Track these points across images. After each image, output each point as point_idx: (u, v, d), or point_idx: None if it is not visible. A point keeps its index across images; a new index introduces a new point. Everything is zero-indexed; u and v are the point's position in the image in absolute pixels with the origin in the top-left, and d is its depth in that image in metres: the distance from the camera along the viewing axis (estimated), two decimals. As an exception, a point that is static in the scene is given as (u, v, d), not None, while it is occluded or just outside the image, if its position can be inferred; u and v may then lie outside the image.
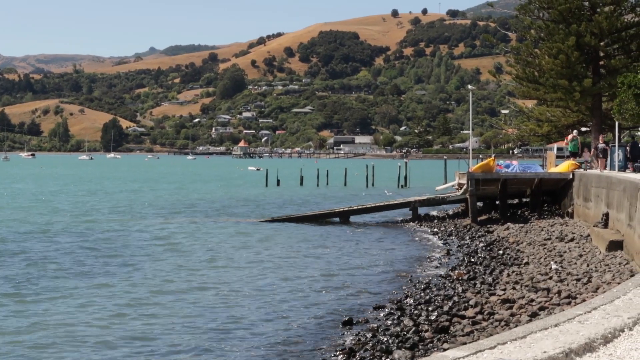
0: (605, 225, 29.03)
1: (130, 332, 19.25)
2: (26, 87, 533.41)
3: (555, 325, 9.49)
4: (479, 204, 46.25)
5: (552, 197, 44.95)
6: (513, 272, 25.18)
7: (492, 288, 22.63)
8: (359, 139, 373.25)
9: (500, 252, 31.72)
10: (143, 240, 38.59)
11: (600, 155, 38.87)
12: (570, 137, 44.74)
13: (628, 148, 39.16)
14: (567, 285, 20.92)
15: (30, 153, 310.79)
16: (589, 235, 30.55)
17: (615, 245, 25.11)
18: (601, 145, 39.32)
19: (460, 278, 25.73)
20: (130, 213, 54.76)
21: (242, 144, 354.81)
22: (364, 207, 51.13)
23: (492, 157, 50.11)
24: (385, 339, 17.69)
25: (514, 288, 21.72)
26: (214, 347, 18.00)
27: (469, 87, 65.10)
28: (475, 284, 23.92)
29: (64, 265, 29.98)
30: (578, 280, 21.29)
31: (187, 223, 47.93)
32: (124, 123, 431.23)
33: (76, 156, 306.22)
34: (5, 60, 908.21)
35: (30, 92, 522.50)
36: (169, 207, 60.21)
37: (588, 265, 23.70)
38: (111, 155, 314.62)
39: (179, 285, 25.73)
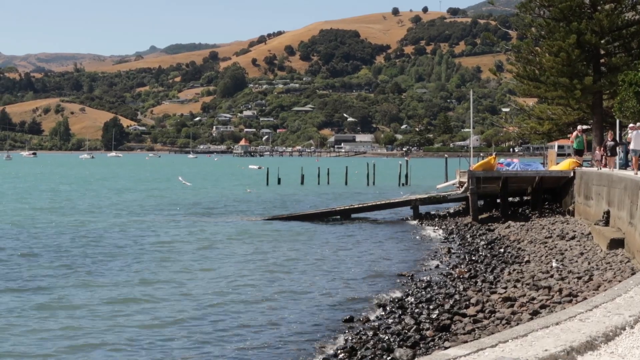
0: (606, 223, 29.02)
1: (127, 331, 19.25)
2: (27, 86, 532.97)
3: (557, 324, 9.49)
4: (480, 202, 46.24)
5: (553, 195, 44.94)
6: (514, 270, 25.18)
7: (493, 286, 22.62)
8: (359, 137, 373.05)
9: (502, 250, 31.74)
10: (144, 239, 38.59)
11: (609, 154, 38.18)
12: (574, 134, 44.43)
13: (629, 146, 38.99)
14: (568, 283, 20.91)
15: (31, 152, 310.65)
16: (590, 233, 30.55)
17: (617, 243, 25.11)
18: (610, 142, 38.50)
19: (461, 276, 25.74)
20: (133, 212, 54.75)
21: (243, 142, 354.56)
22: (365, 205, 51.19)
23: (493, 155, 50.16)
24: (387, 337, 17.69)
25: (515, 286, 21.71)
26: (212, 346, 18.00)
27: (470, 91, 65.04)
28: (476, 282, 23.91)
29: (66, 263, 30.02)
30: (579, 278, 21.28)
31: (189, 221, 47.93)
32: (125, 122, 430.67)
33: (77, 155, 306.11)
34: (6, 59, 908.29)
35: (31, 91, 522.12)
36: (172, 206, 60.19)
37: (589, 263, 23.69)
38: (112, 154, 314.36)
39: (178, 284, 25.71)
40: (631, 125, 35.07)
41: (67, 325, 19.67)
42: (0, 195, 71.12)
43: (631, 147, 33.25)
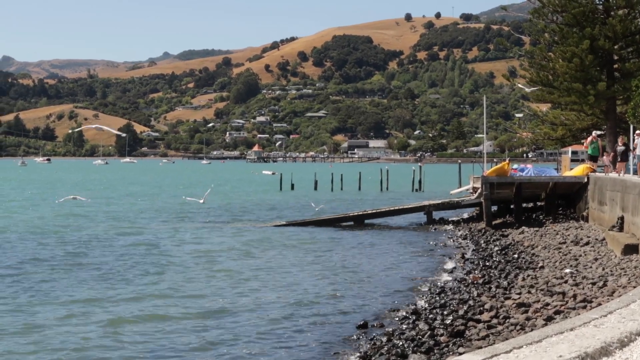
0: (621, 229, 28.96)
1: (142, 337, 19.32)
2: (40, 92, 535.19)
3: (571, 329, 9.51)
4: (494, 207, 46.19)
5: (566, 200, 44.81)
6: (528, 275, 25.14)
7: (508, 292, 22.59)
8: (373, 143, 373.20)
9: (515, 255, 31.67)
10: (157, 244, 38.65)
11: (619, 159, 37.96)
12: (589, 139, 44.19)
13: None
14: (583, 289, 20.86)
15: (45, 158, 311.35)
16: (604, 239, 30.48)
17: (631, 249, 25.05)
18: (620, 147, 38.23)
19: (475, 282, 25.71)
20: (144, 217, 54.86)
21: (256, 148, 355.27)
22: (378, 211, 51.13)
23: (507, 161, 50.05)
24: (401, 343, 17.69)
25: (529, 292, 21.68)
26: (225, 351, 18.03)
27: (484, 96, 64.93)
28: (490, 288, 23.88)
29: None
30: (594, 284, 21.23)
31: (202, 227, 47.99)
32: (138, 128, 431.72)
33: (91, 161, 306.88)
34: (19, 66, 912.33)
35: (45, 97, 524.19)
36: (184, 211, 60.25)
37: (603, 269, 23.64)
38: (126, 159, 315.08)
39: (191, 290, 25.74)
40: (638, 131, 34.96)
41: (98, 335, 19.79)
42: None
43: (637, 152, 33.27)
